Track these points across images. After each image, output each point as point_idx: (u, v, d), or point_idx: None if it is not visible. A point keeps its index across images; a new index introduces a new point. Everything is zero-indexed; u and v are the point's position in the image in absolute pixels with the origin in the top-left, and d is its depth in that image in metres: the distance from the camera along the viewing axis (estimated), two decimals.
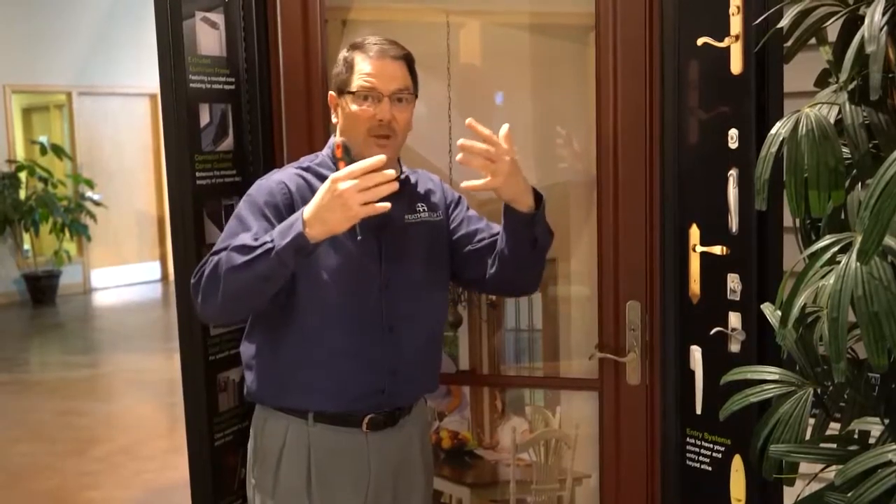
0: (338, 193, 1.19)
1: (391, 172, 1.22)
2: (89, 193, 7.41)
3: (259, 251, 1.25)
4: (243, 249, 1.27)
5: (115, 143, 7.75)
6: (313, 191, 1.35)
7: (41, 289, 7.07)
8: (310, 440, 1.39)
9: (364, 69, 1.37)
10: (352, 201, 1.19)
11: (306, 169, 1.42)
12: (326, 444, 1.39)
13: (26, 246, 7.24)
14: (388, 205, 1.22)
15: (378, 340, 1.38)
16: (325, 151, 1.45)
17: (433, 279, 1.46)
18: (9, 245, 7.12)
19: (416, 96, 1.42)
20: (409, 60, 1.41)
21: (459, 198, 1.54)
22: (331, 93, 1.43)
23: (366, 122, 1.36)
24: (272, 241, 1.25)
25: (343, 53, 1.41)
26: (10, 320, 6.62)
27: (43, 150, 7.20)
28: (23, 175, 7.07)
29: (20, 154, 7.27)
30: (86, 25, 7.34)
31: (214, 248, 1.35)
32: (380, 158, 1.22)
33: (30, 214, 6.97)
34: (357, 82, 1.37)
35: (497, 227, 1.48)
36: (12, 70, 6.99)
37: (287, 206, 1.36)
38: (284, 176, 1.40)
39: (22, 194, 7.06)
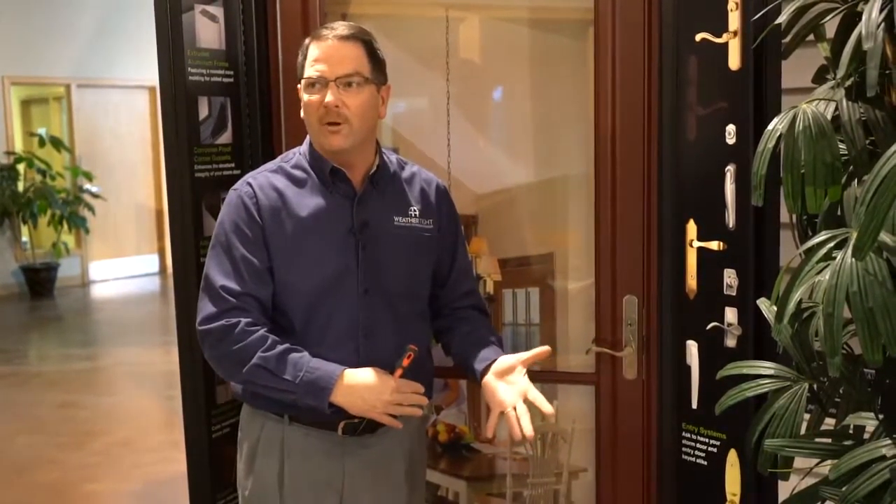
0: (385, 400, 1.29)
1: (424, 399, 1.30)
2: (88, 186, 7.40)
3: (281, 387, 1.29)
4: (266, 375, 1.29)
5: (113, 136, 7.73)
6: (279, 192, 1.35)
7: (39, 281, 7.07)
8: (284, 438, 1.38)
9: (313, 55, 1.32)
10: (389, 410, 1.30)
11: (278, 171, 1.38)
12: (300, 443, 1.37)
13: (24, 238, 7.24)
14: (419, 411, 1.32)
15: (353, 348, 1.34)
16: (303, 148, 1.41)
17: (413, 291, 1.41)
18: (7, 237, 7.12)
19: (381, 80, 1.36)
20: (364, 40, 1.33)
21: (459, 231, 1.49)
22: (298, 85, 1.38)
23: (316, 110, 1.32)
24: (296, 388, 1.28)
25: (304, 42, 1.37)
26: (8, 313, 6.63)
27: (41, 143, 7.19)
28: (21, 167, 7.07)
29: (18, 146, 7.25)
30: (85, 18, 7.32)
31: (235, 288, 1.30)
32: (421, 401, 1.31)
33: (28, 206, 6.97)
34: (306, 70, 1.33)
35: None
36: (11, 62, 6.97)
37: (257, 215, 1.34)
38: (255, 183, 1.36)
39: (20, 186, 7.06)
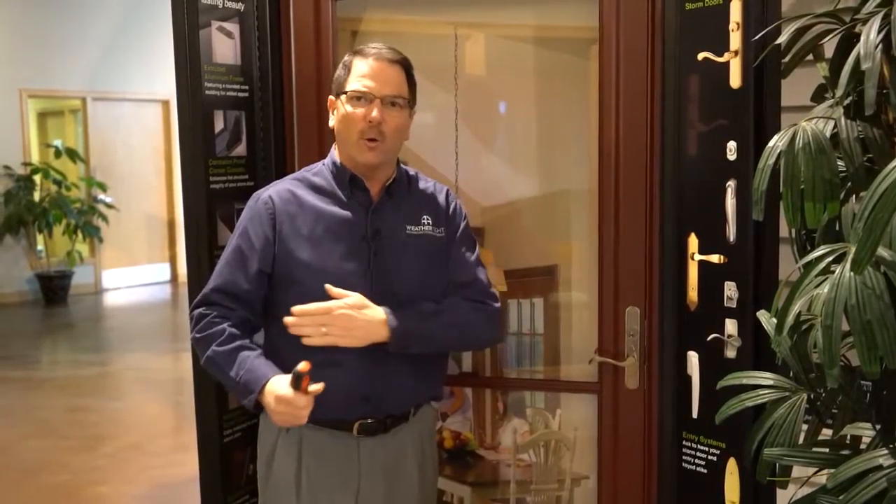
0: (290, 413, 1.28)
1: (318, 386, 1.27)
2: (101, 196, 7.50)
3: (226, 381, 1.37)
4: (216, 368, 1.37)
5: (127, 148, 7.84)
6: (299, 202, 1.40)
7: (53, 288, 7.15)
8: (301, 439, 1.41)
9: (360, 71, 1.37)
10: (300, 420, 1.29)
11: (300, 179, 1.44)
12: (317, 444, 1.41)
13: (40, 247, 7.33)
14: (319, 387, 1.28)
15: (362, 352, 1.36)
16: (327, 161, 1.47)
17: (426, 295, 1.43)
18: (23, 245, 7.22)
19: (413, 104, 1.42)
20: (406, 66, 1.40)
21: (460, 229, 1.49)
22: (330, 97, 1.44)
23: (357, 123, 1.36)
24: (235, 385, 1.34)
25: (344, 58, 1.42)
26: (22, 319, 6.70)
27: (57, 154, 7.30)
28: (37, 178, 7.17)
29: (35, 157, 7.36)
30: (100, 33, 7.44)
31: (212, 284, 1.41)
32: (319, 387, 1.28)
33: (44, 216, 7.07)
34: (352, 84, 1.38)
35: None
36: (29, 76, 7.10)
37: (270, 222, 1.39)
38: (275, 191, 1.43)
39: (36, 196, 7.16)
